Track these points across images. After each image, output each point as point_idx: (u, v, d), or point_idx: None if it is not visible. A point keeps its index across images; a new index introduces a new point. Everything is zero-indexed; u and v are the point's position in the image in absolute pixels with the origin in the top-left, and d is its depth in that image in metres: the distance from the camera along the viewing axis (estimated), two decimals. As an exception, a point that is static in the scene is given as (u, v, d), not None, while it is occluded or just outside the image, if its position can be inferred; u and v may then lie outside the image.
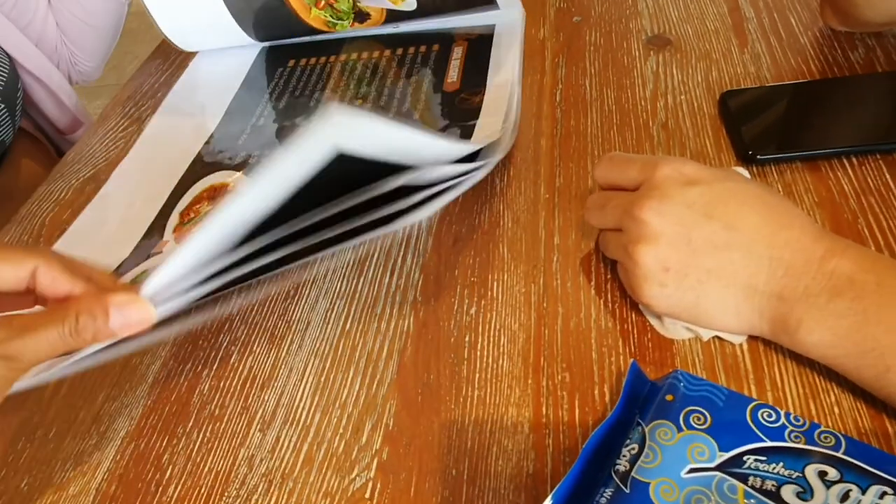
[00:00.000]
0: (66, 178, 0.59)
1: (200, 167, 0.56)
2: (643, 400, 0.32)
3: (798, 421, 0.29)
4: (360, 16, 0.63)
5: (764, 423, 0.29)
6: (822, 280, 0.32)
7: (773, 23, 0.57)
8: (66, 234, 0.52)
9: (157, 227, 0.51)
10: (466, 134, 0.51)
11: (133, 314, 0.30)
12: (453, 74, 0.58)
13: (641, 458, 0.28)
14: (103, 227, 0.52)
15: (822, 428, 0.28)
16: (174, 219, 0.51)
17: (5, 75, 0.65)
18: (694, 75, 0.54)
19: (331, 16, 0.63)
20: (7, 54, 0.67)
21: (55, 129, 0.74)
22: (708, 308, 0.35)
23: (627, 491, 0.28)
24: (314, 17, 0.63)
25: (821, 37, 0.55)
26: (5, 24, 0.67)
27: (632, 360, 0.35)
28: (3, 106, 0.63)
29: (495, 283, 0.42)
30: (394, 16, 0.62)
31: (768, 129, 0.47)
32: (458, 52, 0.60)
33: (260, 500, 0.35)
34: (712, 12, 0.60)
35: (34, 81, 0.71)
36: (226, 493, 0.35)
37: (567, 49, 0.60)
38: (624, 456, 0.29)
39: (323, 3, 0.62)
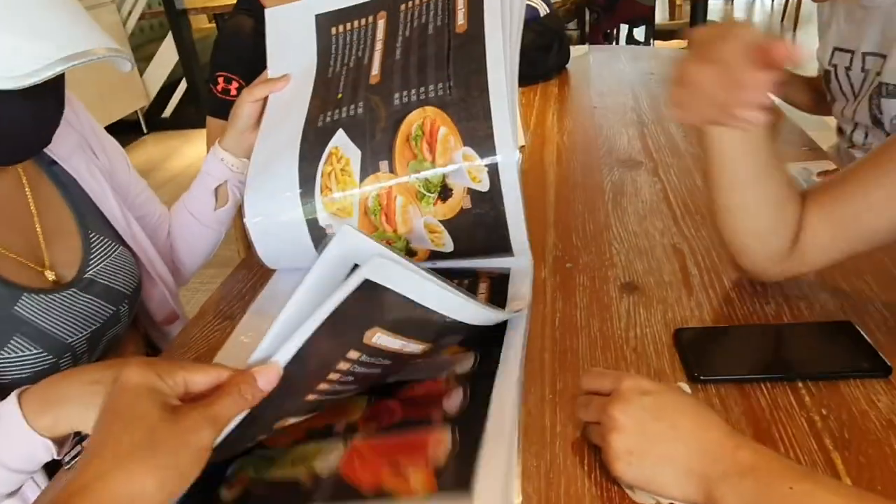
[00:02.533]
0: (175, 360, 0.76)
1: None
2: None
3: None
4: (410, 252, 0.85)
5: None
6: (734, 465, 0.48)
7: (711, 279, 0.79)
8: None
9: None
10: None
11: (271, 373, 0.48)
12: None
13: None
14: None
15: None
16: None
17: (133, 280, 0.83)
18: (655, 314, 0.74)
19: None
20: (134, 255, 0.86)
21: (151, 320, 0.91)
22: (661, 483, 0.51)
23: None
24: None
25: (743, 291, 0.76)
26: (134, 223, 0.86)
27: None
28: (126, 307, 0.81)
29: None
30: (435, 254, 0.84)
31: (709, 358, 0.66)
32: (483, 287, 0.81)
33: None
34: (667, 268, 0.82)
35: (148, 281, 0.89)
36: None
37: (562, 288, 0.81)
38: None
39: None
